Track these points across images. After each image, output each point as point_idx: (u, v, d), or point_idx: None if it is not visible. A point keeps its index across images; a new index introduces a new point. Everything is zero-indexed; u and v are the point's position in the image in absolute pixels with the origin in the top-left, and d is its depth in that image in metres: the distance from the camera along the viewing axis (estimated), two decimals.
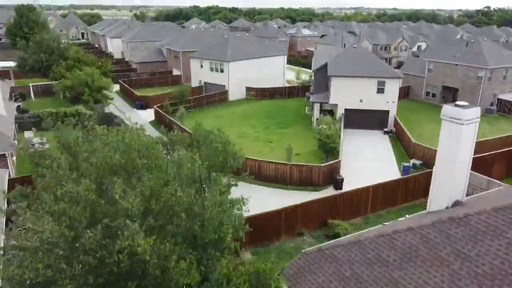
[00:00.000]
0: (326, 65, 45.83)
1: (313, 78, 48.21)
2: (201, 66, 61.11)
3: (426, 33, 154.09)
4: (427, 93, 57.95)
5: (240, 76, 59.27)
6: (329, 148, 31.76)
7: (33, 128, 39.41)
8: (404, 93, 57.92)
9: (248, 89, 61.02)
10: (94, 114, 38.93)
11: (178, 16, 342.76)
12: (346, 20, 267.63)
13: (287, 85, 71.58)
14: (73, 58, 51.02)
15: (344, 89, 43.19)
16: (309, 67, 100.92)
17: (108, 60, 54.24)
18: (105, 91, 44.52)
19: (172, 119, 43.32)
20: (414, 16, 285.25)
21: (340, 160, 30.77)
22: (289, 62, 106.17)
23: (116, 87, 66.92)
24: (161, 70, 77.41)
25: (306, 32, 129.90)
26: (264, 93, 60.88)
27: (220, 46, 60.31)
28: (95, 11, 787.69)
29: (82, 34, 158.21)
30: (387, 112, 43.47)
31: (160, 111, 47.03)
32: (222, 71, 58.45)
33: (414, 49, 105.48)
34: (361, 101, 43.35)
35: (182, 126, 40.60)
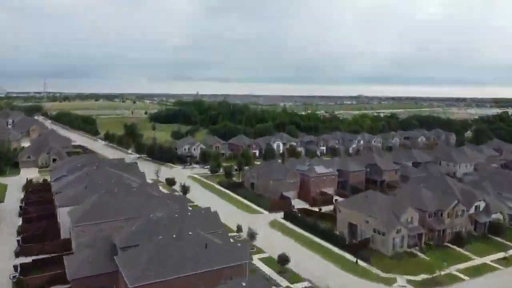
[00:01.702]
0: None
1: None
2: None
3: (461, 161, 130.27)
4: None
5: None
6: None
7: None
8: None
9: None
10: None
11: (177, 115, 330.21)
12: (354, 125, 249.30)
13: None
14: None
15: None
16: (336, 241, 70.03)
17: None
18: None
19: None
20: (426, 121, 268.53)
21: None
22: (300, 225, 76.68)
23: None
24: None
25: (320, 170, 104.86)
26: None
27: None
28: (100, 101, 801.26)
29: (54, 160, 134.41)
30: None
31: None
32: None
33: (471, 211, 78.65)
34: None
35: None
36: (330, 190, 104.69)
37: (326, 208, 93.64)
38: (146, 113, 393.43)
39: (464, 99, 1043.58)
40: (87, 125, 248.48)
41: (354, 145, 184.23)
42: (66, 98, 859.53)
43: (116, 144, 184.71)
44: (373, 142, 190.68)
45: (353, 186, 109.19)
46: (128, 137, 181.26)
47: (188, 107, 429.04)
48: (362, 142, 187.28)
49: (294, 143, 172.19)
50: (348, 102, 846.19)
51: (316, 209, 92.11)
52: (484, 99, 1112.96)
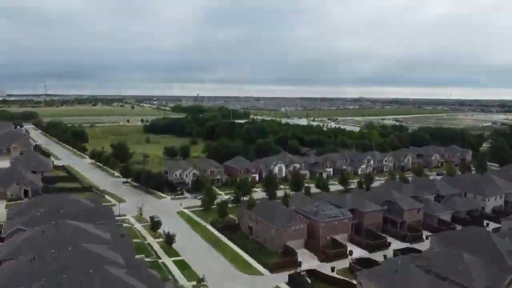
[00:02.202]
0: None
1: None
2: None
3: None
4: None
5: None
6: None
7: None
8: None
9: None
10: None
11: (176, 125, 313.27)
12: (361, 139, 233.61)
13: None
14: None
15: None
16: None
17: None
18: None
19: None
20: (437, 133, 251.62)
21: None
22: None
23: None
24: None
25: (330, 213, 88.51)
26: None
27: None
28: (98, 105, 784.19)
29: (26, 191, 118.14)
30: None
31: None
32: None
33: None
34: None
35: None
36: (342, 237, 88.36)
37: (339, 265, 77.48)
38: (142, 120, 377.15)
39: (468, 103, 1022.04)
40: (76, 138, 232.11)
41: (363, 165, 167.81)
42: (64, 102, 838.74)
43: (103, 163, 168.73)
44: (384, 162, 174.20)
45: (369, 230, 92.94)
46: (115, 158, 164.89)
47: (187, 113, 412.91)
48: (372, 162, 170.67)
49: (297, 165, 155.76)
50: (351, 107, 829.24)
51: (328, 267, 75.80)
52: (486, 101, 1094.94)
